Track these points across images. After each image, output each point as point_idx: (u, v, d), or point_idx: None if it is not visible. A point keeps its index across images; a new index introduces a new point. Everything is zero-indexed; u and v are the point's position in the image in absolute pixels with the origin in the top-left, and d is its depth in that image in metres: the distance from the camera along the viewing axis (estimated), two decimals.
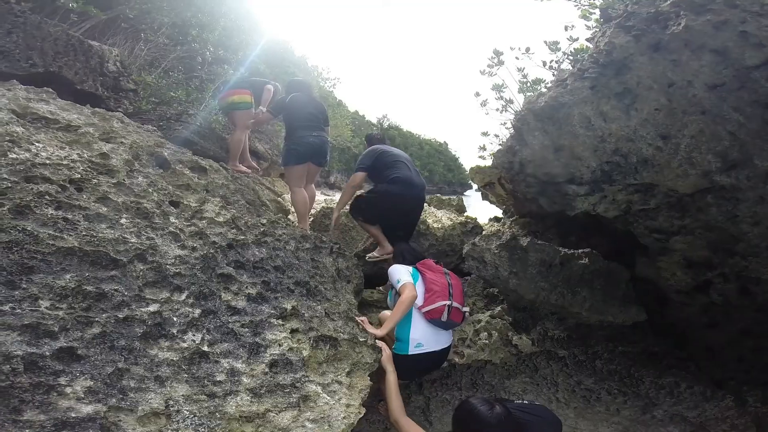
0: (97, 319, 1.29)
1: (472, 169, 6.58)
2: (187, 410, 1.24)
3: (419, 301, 2.31)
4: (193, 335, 1.45)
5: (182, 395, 1.26)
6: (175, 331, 1.42)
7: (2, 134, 1.59)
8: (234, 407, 1.33)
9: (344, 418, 1.52)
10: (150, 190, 1.83)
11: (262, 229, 2.08)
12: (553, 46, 5.20)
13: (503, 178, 5.37)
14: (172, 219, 1.74)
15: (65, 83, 3.20)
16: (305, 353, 1.68)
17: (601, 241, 4.09)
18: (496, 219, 6.13)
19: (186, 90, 6.00)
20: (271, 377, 1.50)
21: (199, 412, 1.25)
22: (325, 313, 1.93)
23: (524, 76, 6.22)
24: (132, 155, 2.02)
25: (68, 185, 1.58)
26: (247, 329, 1.61)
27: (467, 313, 2.48)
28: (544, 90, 3.30)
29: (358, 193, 3.64)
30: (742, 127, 2.38)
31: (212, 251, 1.77)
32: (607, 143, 2.91)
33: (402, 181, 3.24)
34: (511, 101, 6.42)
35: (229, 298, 1.68)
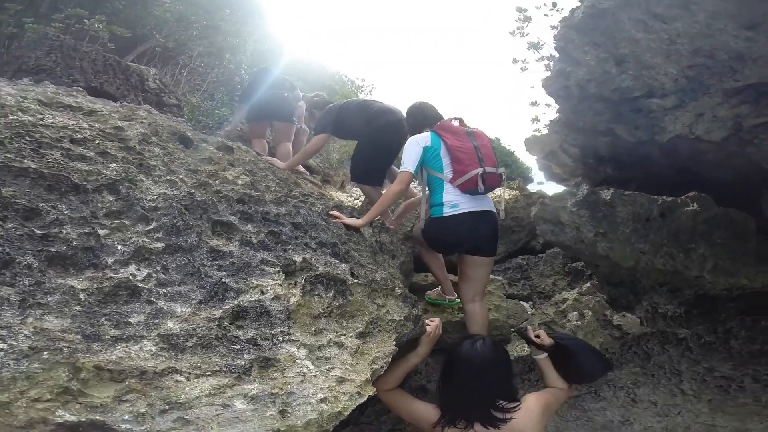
0: None
1: (527, 139, 5.96)
2: (8, 345, 0.86)
3: (449, 175, 2.10)
4: (137, 269, 1.14)
5: (36, 328, 0.91)
6: (110, 261, 1.12)
7: (13, 105, 1.47)
8: (103, 357, 0.93)
9: (321, 400, 1.06)
10: (163, 156, 1.62)
11: (285, 192, 1.80)
12: None
13: (565, 142, 4.70)
14: (181, 175, 1.51)
15: (108, 98, 3.30)
16: (293, 300, 1.27)
17: (706, 189, 3.29)
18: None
19: (230, 107, 6.19)
20: (219, 328, 1.10)
21: (23, 351, 0.86)
22: (351, 272, 1.54)
23: None
24: (151, 130, 1.86)
25: (65, 141, 1.40)
26: (222, 272, 1.27)
27: (503, 175, 2.24)
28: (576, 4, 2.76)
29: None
30: None
31: (214, 199, 1.48)
32: (679, 45, 2.31)
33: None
34: (553, 56, 5.81)
35: (219, 243, 1.35)
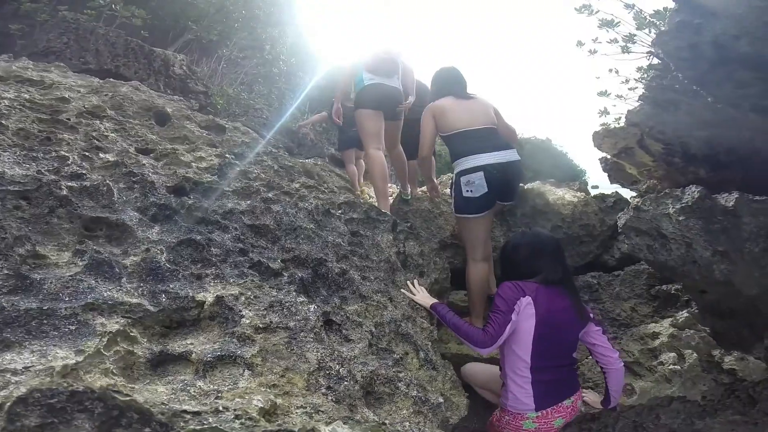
0: None
1: (596, 133, 5.03)
2: None
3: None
4: None
5: None
6: None
7: None
8: None
9: None
10: (106, 133, 1.20)
11: (265, 182, 1.31)
12: None
13: (647, 135, 3.84)
14: (102, 154, 1.06)
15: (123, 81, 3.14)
16: None
17: None
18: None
19: (268, 100, 6.04)
20: None
21: None
22: (328, 317, 0.98)
23: (639, 12, 4.68)
24: (111, 104, 1.47)
25: None
26: None
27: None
28: None
29: None
30: None
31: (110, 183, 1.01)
32: None
33: None
34: (632, 36, 4.84)
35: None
